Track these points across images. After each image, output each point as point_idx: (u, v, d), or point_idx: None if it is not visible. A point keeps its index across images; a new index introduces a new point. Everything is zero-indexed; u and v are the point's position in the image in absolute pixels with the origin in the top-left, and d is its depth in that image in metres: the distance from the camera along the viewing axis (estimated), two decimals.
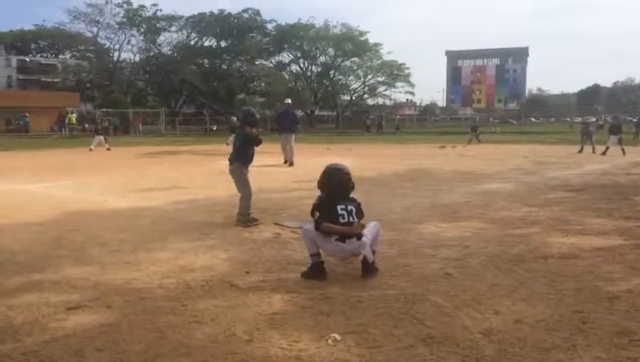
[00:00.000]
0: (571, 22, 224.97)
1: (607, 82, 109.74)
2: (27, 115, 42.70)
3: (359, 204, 4.46)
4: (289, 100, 16.61)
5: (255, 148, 6.71)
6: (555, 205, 7.68)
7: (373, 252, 4.36)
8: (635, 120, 33.69)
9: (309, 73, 66.40)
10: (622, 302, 3.59)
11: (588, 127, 20.06)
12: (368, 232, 4.34)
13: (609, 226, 6.11)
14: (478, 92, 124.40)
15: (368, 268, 4.27)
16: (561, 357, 2.81)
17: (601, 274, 4.24)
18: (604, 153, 17.67)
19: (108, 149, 22.49)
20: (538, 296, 3.75)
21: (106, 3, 54.78)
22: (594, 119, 29.81)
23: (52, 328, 3.28)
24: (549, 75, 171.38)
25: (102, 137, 23.52)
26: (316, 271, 4.19)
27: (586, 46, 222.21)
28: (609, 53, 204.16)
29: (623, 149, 17.83)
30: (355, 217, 4.28)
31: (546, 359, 2.81)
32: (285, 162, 14.68)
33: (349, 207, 4.30)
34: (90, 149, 22.07)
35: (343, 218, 4.22)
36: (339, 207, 4.25)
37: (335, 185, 4.42)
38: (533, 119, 76.15)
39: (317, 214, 4.26)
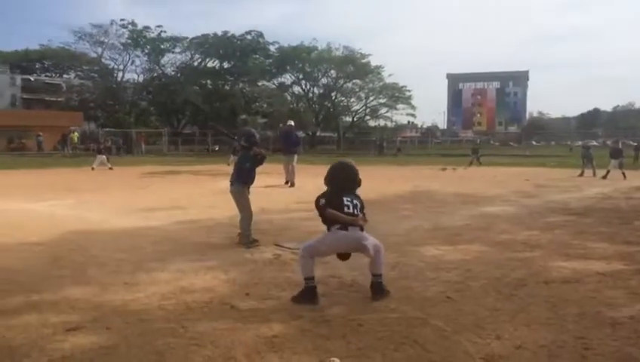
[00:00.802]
0: (572, 47, 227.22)
1: (607, 106, 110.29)
2: (40, 134, 42.81)
3: (363, 202, 4.46)
4: (291, 122, 16.72)
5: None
6: (556, 229, 7.67)
7: (380, 274, 4.31)
8: (635, 144, 33.72)
9: (310, 94, 66.82)
10: (624, 328, 3.57)
11: (588, 151, 20.12)
12: (371, 241, 4.29)
13: (610, 251, 6.09)
14: (478, 115, 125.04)
15: (380, 291, 4.24)
16: None
17: (604, 300, 4.22)
18: (604, 177, 17.68)
19: (110, 168, 22.52)
20: (540, 321, 3.72)
21: (111, 24, 55.49)
22: (595, 143, 29.89)
23: (50, 349, 3.26)
24: (550, 99, 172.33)
25: (104, 156, 23.56)
26: (308, 296, 4.11)
27: (586, 70, 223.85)
28: (609, 77, 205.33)
29: (623, 173, 17.85)
30: (359, 211, 4.29)
31: None
32: (286, 183, 14.71)
33: (355, 201, 4.32)
34: (93, 168, 22.12)
35: (348, 208, 4.23)
36: (345, 199, 4.27)
37: (343, 179, 4.44)
38: (533, 142, 76.39)
39: (322, 201, 4.26)
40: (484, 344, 3.32)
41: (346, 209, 4.22)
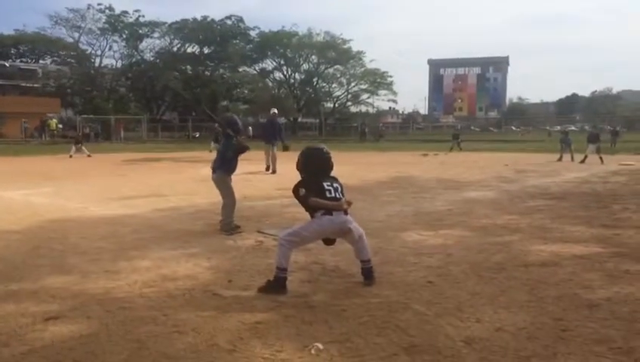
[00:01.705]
0: (550, 33, 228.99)
1: (585, 92, 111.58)
2: (25, 120, 41.92)
3: (342, 184, 4.40)
4: (275, 110, 16.69)
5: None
6: (535, 213, 7.77)
7: (368, 260, 4.30)
8: (612, 129, 34.25)
9: (292, 80, 66.47)
10: (601, 310, 3.64)
11: (567, 136, 20.42)
12: (355, 224, 4.28)
13: (588, 234, 6.20)
14: (459, 100, 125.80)
15: (371, 276, 4.26)
16: None
17: (581, 282, 4.29)
18: (582, 161, 17.95)
19: (89, 156, 22.24)
20: (519, 304, 3.78)
21: (88, 8, 54.46)
22: (573, 128, 30.32)
23: (30, 339, 3.22)
24: (529, 84, 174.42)
25: (80, 145, 23.31)
26: (278, 287, 4.03)
27: (564, 56, 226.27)
28: (587, 63, 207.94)
29: (601, 158, 18.13)
30: (341, 194, 4.25)
31: None
32: (267, 169, 14.74)
33: (335, 185, 4.26)
34: (70, 156, 21.82)
35: (330, 193, 4.17)
36: (325, 184, 4.20)
37: (316, 164, 4.35)
38: (513, 127, 77.14)
39: (302, 190, 4.18)
40: (464, 327, 3.36)
41: (327, 194, 4.16)
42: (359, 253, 4.31)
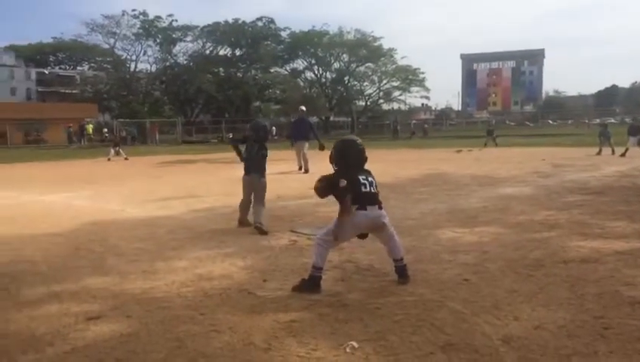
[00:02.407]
0: (587, 23, 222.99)
1: (625, 83, 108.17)
2: (70, 125, 43.09)
3: (374, 178, 4.28)
4: (303, 108, 16.54)
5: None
6: (574, 208, 7.59)
7: (401, 258, 4.27)
8: None
9: (323, 79, 66.61)
10: None
11: (606, 129, 19.83)
12: (388, 219, 4.23)
13: (629, 229, 6.02)
14: (493, 95, 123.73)
15: (405, 275, 4.21)
16: None
17: (623, 279, 4.18)
18: (623, 155, 17.42)
19: (126, 159, 22.76)
20: (558, 302, 3.70)
21: (123, 15, 55.76)
22: (612, 120, 29.42)
23: (73, 338, 3.31)
24: (566, 77, 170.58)
25: (118, 148, 23.91)
26: (312, 285, 4.03)
27: (602, 47, 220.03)
28: (626, 53, 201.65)
29: None
30: (376, 189, 4.18)
31: None
32: (300, 168, 14.74)
33: (370, 179, 4.17)
34: (109, 159, 22.36)
35: (365, 187, 4.09)
36: (360, 177, 4.11)
37: (351, 156, 4.24)
38: (550, 121, 75.41)
39: (344, 181, 4.02)
40: (502, 325, 3.31)
41: (363, 188, 4.08)
42: (392, 252, 4.27)
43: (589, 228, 6.18)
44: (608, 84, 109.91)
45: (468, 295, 3.90)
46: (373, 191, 4.14)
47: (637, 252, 4.99)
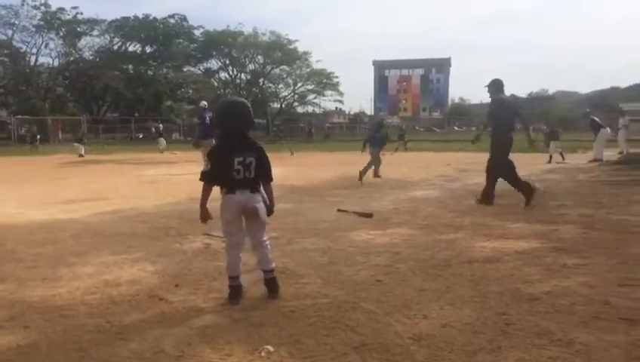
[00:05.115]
0: (491, 34, 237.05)
1: (522, 92, 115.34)
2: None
3: (263, 153, 3.85)
4: (204, 103, 14.62)
5: None
6: (476, 211, 8.00)
7: (272, 270, 3.97)
8: (546, 129, 35.57)
9: (238, 80, 65.89)
10: (541, 303, 3.78)
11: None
12: (262, 206, 3.87)
13: (527, 230, 6.43)
14: (404, 101, 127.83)
15: (275, 288, 3.95)
16: (487, 359, 2.92)
17: (522, 277, 4.44)
18: (549, 162, 17.88)
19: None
20: (464, 300, 3.88)
21: (22, 4, 52.10)
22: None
23: None
24: (470, 85, 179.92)
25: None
26: (231, 298, 3.83)
27: (503, 58, 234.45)
28: (523, 65, 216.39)
29: (561, 154, 18.60)
30: (252, 172, 3.76)
31: (473, 361, 2.91)
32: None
33: (248, 159, 3.73)
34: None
35: (239, 173, 3.72)
36: (236, 160, 3.70)
37: (232, 120, 3.81)
38: (455, 127, 79.22)
39: (207, 165, 3.70)
40: (412, 324, 3.41)
41: (236, 175, 3.72)
42: (260, 262, 3.99)
43: (491, 229, 6.54)
44: (508, 94, 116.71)
45: (380, 295, 3.99)
46: (247, 176, 3.76)
47: (534, 251, 5.34)
